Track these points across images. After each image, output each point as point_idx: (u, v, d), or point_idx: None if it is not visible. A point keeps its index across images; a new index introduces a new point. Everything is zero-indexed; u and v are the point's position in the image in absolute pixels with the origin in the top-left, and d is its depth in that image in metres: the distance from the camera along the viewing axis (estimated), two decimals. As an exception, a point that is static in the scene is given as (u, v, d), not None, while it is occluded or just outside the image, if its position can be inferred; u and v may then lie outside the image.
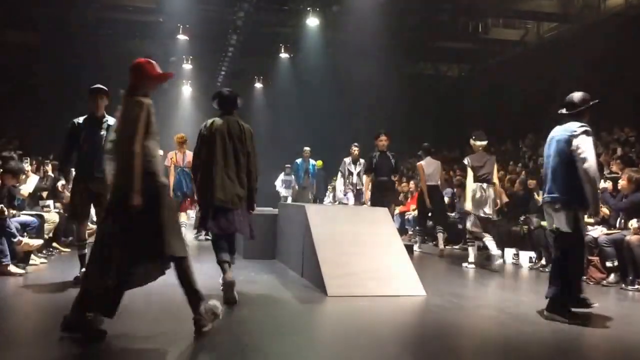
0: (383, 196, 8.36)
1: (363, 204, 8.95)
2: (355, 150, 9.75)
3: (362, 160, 9.51)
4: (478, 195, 7.50)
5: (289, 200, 14.11)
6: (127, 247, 3.47)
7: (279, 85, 19.92)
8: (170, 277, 3.73)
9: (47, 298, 5.00)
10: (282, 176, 15.48)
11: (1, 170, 6.47)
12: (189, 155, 8.36)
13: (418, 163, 9.53)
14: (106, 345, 3.58)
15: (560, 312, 4.46)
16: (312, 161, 13.24)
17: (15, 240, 5.92)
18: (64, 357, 3.36)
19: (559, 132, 4.61)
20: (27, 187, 7.10)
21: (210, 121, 4.95)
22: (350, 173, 9.69)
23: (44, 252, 7.08)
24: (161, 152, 10.97)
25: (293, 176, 14.40)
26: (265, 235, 7.41)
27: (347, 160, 9.81)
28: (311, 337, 4.16)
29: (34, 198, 7.56)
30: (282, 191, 15.27)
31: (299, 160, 13.27)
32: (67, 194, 8.81)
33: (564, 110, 4.66)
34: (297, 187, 13.60)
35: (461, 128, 17.41)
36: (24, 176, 7.14)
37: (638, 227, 6.12)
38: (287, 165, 15.05)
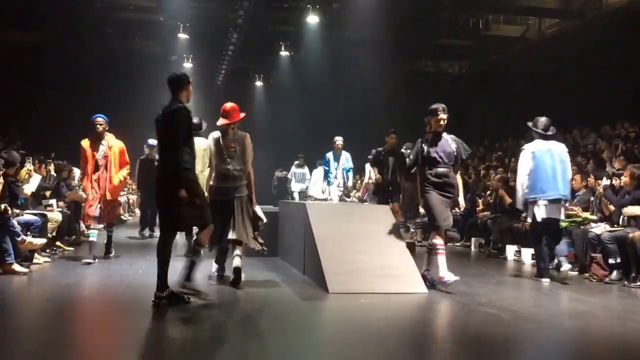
0: (442, 195, 5.59)
1: (364, 201, 8.77)
2: (392, 138, 8.50)
3: (407, 152, 7.69)
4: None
5: (294, 195, 13.35)
6: None
7: (280, 84, 19.90)
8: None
9: (50, 297, 5.02)
10: (293, 169, 13.94)
11: None
12: None
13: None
14: (107, 341, 3.60)
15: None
16: (345, 153, 10.11)
17: (19, 239, 5.95)
18: (66, 356, 3.37)
19: (556, 147, 6.28)
20: (30, 186, 7.11)
21: None
22: (388, 168, 8.39)
23: (48, 251, 7.13)
24: (153, 140, 10.80)
25: (307, 168, 13.49)
26: (267, 233, 7.41)
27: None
28: (312, 333, 4.18)
29: (37, 197, 7.58)
30: (294, 186, 13.63)
31: (329, 154, 10.26)
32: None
33: (549, 132, 6.30)
34: (326, 184, 10.83)
35: (462, 125, 17.39)
36: (27, 175, 7.16)
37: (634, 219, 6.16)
38: (299, 155, 13.92)
